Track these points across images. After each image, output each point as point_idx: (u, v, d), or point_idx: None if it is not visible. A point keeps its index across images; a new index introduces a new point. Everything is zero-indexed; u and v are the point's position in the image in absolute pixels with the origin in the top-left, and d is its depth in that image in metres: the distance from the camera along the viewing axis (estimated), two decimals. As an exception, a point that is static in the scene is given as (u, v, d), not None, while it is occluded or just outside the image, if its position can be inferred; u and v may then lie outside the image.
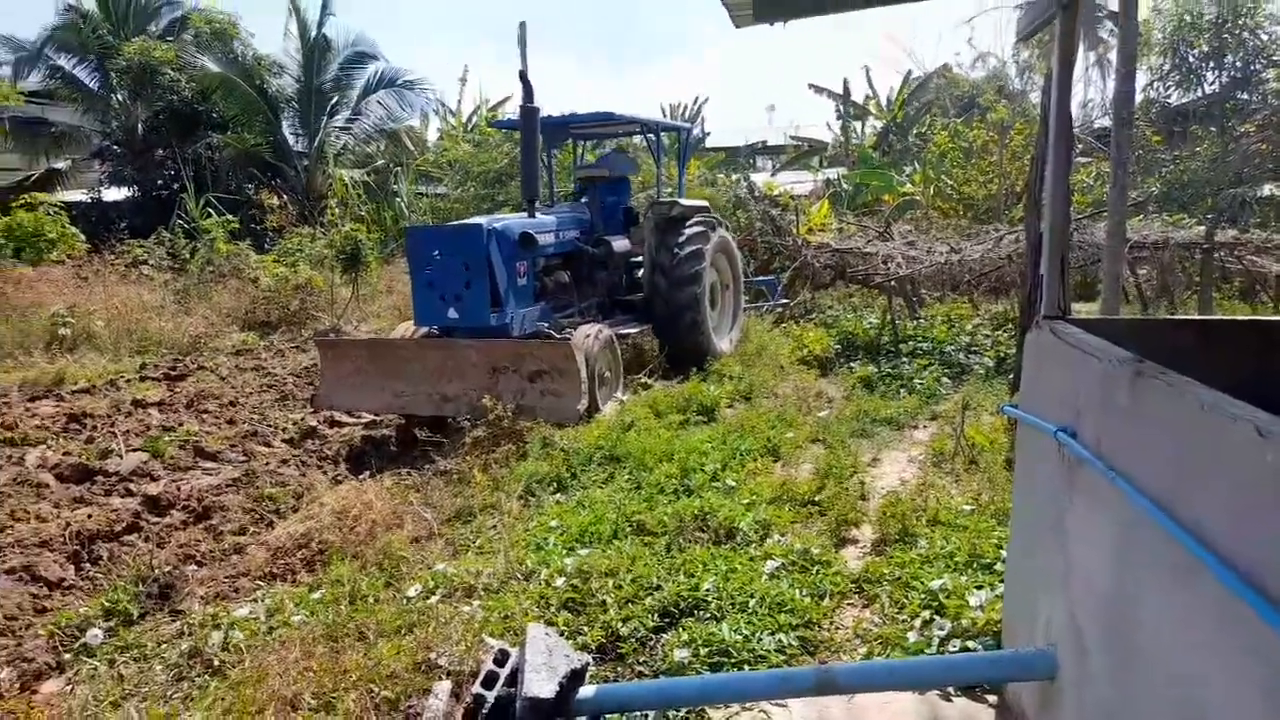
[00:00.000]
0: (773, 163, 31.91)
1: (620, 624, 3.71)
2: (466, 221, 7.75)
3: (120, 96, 20.76)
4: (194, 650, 3.60)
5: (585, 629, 3.69)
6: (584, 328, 7.49)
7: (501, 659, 2.94)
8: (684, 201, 9.48)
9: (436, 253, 7.19)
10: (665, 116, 33.26)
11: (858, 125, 28.48)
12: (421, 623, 3.69)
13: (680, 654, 3.46)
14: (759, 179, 20.04)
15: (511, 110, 22.64)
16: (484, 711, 2.72)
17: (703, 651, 3.48)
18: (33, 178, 21.73)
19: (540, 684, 2.67)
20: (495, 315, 7.25)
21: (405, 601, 3.97)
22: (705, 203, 10.18)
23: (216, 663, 3.45)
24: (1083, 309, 10.82)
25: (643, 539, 4.66)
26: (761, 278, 13.07)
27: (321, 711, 2.94)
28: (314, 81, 19.94)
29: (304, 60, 20.29)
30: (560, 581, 4.07)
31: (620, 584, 4.04)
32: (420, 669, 3.20)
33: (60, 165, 22.40)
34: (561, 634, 3.60)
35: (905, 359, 9.11)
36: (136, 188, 21.31)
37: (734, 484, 5.47)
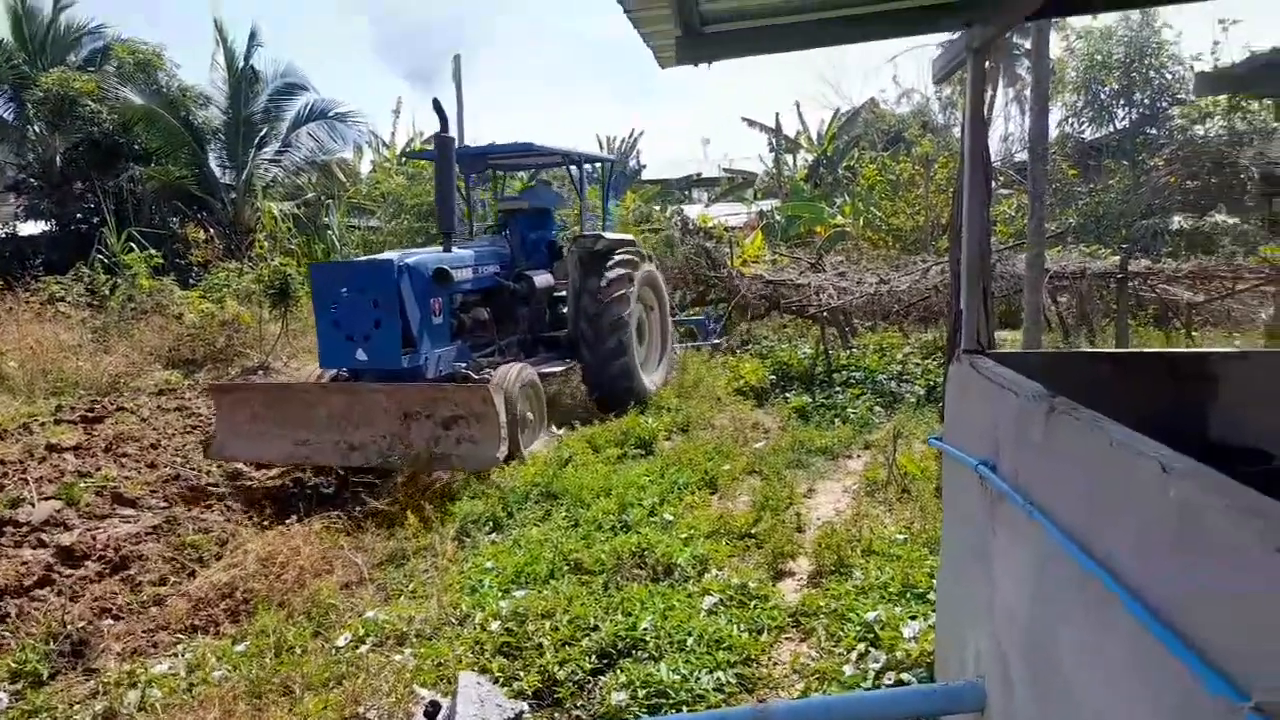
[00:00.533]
0: (708, 195, 32.35)
1: (557, 667, 3.66)
2: (376, 256, 7.38)
3: (37, 128, 20.09)
4: (109, 712, 3.43)
5: (521, 674, 3.62)
6: (504, 368, 7.14)
7: (433, 711, 2.88)
8: (609, 235, 9.23)
9: (344, 290, 6.82)
10: (601, 148, 33.56)
11: (790, 158, 29.09)
12: (350, 674, 3.58)
13: (618, 696, 3.41)
14: (693, 211, 20.30)
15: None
16: (414, 766, 2.65)
17: (640, 693, 3.44)
18: (-58, 211, 20.85)
19: (473, 735, 2.62)
20: (408, 357, 6.91)
21: (334, 652, 3.85)
22: (630, 237, 10.06)
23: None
24: (1008, 336, 11.16)
25: (580, 578, 4.61)
26: (692, 316, 12.96)
27: (243, 773, 2.82)
28: (242, 113, 19.57)
29: (231, 91, 19.92)
30: (495, 625, 4.00)
31: (557, 625, 3.98)
32: (348, 712, 3.09)
33: (-27, 199, 21.54)
34: (496, 680, 3.54)
35: (839, 388, 9.26)
36: (54, 222, 20.57)
37: (671, 518, 5.46)
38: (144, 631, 4.29)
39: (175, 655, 3.97)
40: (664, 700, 3.42)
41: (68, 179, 20.09)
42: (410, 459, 6.21)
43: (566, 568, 4.73)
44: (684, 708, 3.37)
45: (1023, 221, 13.81)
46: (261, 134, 20.11)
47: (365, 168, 26.07)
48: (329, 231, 18.50)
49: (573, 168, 10.00)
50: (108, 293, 14.35)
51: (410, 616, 4.18)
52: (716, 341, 11.84)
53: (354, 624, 4.13)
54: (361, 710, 3.20)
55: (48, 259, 17.49)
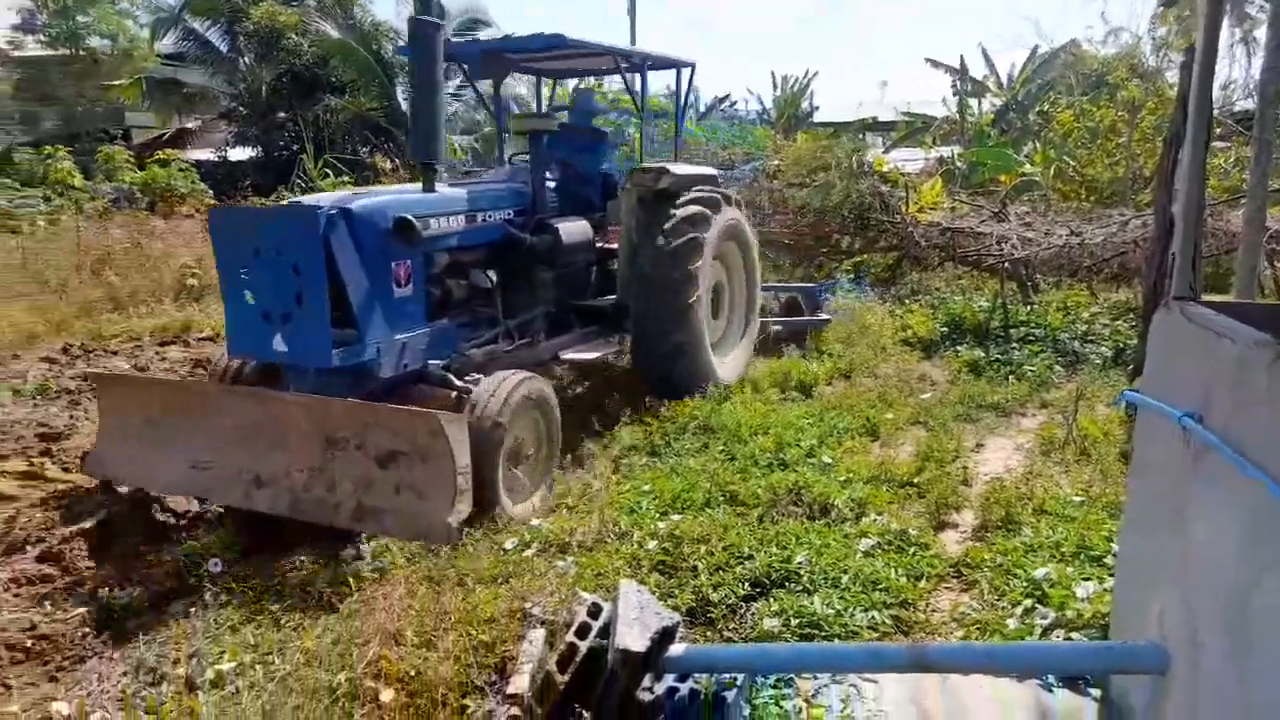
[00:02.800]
0: (882, 139, 31.05)
1: (711, 590, 3.74)
2: (299, 200, 5.30)
3: (247, 59, 21.68)
4: (306, 583, 3.80)
5: (676, 592, 3.73)
6: (495, 376, 4.89)
7: (595, 611, 3.01)
8: (677, 169, 6.84)
9: (255, 249, 4.64)
10: (775, 89, 32.71)
11: (974, 102, 27.40)
12: (517, 573, 3.80)
13: (770, 623, 3.46)
14: (869, 155, 19.53)
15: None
16: (577, 659, 2.79)
17: (793, 622, 3.47)
18: (165, 135, 22.98)
19: (632, 637, 2.72)
20: (344, 350, 4.72)
21: (502, 553, 4.08)
22: (710, 171, 7.70)
23: (325, 598, 3.65)
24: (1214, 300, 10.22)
25: (735, 509, 4.67)
26: (801, 284, 10.74)
27: (423, 648, 3.06)
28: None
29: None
30: (652, 544, 4.12)
31: (712, 551, 4.06)
32: (516, 617, 3.29)
33: (191, 125, 23.61)
34: (653, 594, 3.65)
35: (1015, 345, 8.78)
36: (260, 148, 22.28)
37: (830, 461, 5.41)
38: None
39: (363, 544, 4.32)
40: (816, 632, 3.43)
41: (272, 108, 21.65)
42: (330, 509, 4.26)
43: (722, 498, 4.79)
44: (836, 641, 3.38)
45: (1239, 177, 12.49)
46: (445, 68, 20.88)
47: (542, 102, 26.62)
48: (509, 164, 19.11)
49: (629, 74, 7.36)
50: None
51: (572, 528, 4.37)
52: (825, 317, 9.47)
53: (520, 531, 4.36)
54: (528, 606, 3.38)
55: (254, 182, 18.99)
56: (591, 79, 9.70)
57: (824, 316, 9.51)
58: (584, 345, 6.69)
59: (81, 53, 25.17)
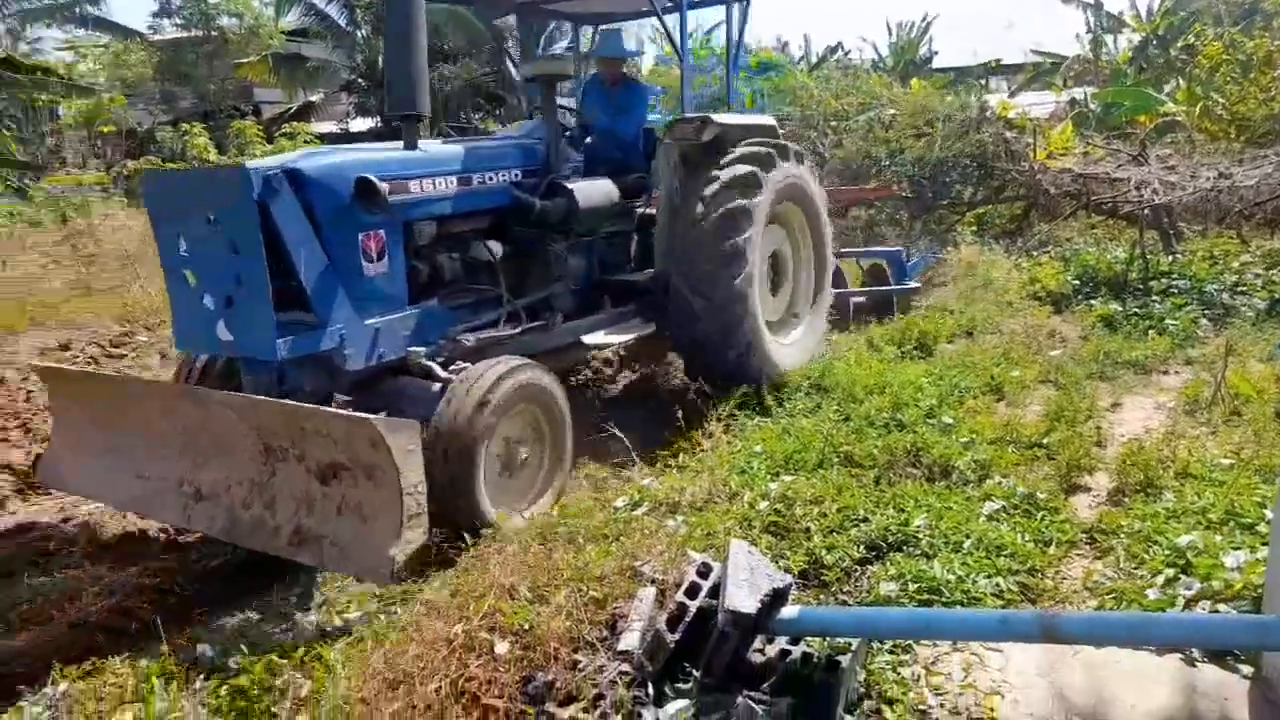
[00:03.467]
0: (1007, 83, 29.41)
1: (824, 552, 3.64)
2: (236, 161, 4.47)
3: (364, 31, 22.28)
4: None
5: (788, 553, 3.65)
6: (482, 364, 4.22)
7: (704, 571, 2.97)
8: (724, 118, 5.85)
9: (189, 219, 3.99)
10: (890, 36, 31.41)
11: (1110, 39, 25.57)
12: (628, 532, 3.79)
13: (887, 587, 3.35)
14: (993, 100, 18.55)
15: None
16: (686, 619, 2.76)
17: (911, 588, 3.34)
18: (291, 110, 23.93)
19: (742, 598, 2.67)
20: (293, 338, 3.97)
21: (613, 511, 4.09)
22: (767, 120, 6.62)
23: (443, 552, 3.75)
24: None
25: (850, 470, 4.53)
26: (884, 248, 9.74)
27: (536, 602, 3.09)
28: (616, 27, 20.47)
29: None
30: (763, 505, 4.04)
31: (825, 513, 3.96)
32: (626, 574, 3.28)
33: (314, 98, 24.50)
34: (764, 555, 3.59)
35: (1156, 298, 8.20)
36: (379, 118, 22.94)
37: (951, 421, 5.18)
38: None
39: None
40: (936, 598, 3.30)
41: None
42: (269, 533, 3.62)
43: (836, 459, 4.66)
44: (959, 607, 3.24)
45: None
46: (549, 31, 20.92)
47: (647, 64, 26.42)
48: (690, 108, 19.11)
49: (669, 12, 6.37)
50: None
51: (682, 488, 4.33)
52: (914, 285, 8.85)
53: (630, 490, 4.36)
54: (638, 564, 3.37)
55: (373, 152, 19.58)
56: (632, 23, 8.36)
57: (912, 284, 8.74)
58: (611, 327, 5.65)
59: (213, 33, 26.44)
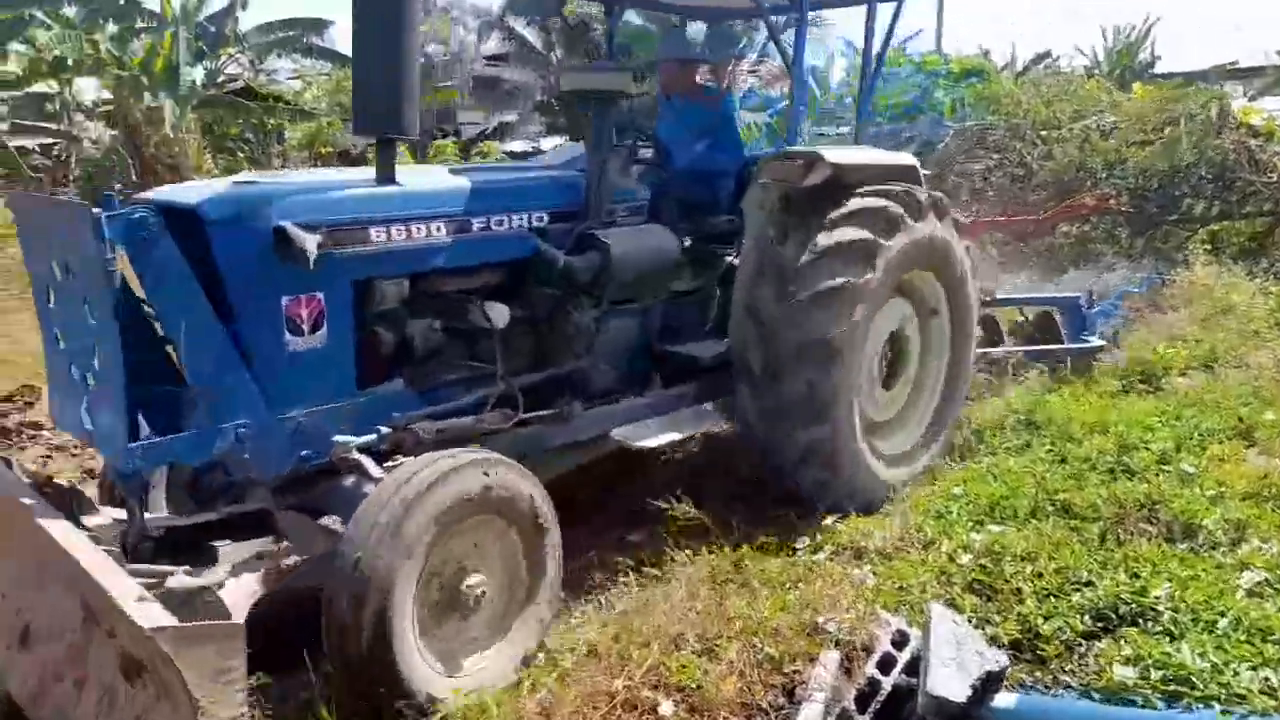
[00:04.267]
0: (1243, 87, 26.44)
1: (1040, 620, 3.14)
2: (71, 201, 3.38)
3: (558, 53, 22.99)
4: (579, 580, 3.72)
5: (995, 618, 3.18)
6: (416, 461, 3.03)
7: (900, 640, 2.59)
8: (844, 155, 4.39)
9: (55, 262, 3.07)
10: (1105, 40, 29.00)
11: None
12: (808, 579, 3.44)
13: (1123, 671, 2.81)
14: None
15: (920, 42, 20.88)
16: (879, 699, 2.39)
17: (1154, 674, 2.79)
18: (487, 130, 25.09)
19: (948, 681, 2.27)
20: (174, 439, 3.00)
21: (791, 553, 3.75)
22: (905, 159, 4.94)
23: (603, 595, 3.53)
24: None
25: (1068, 522, 3.95)
26: (1058, 294, 7.49)
27: (704, 655, 2.81)
28: (723, 24, 20.33)
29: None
30: (966, 559, 3.56)
31: (1040, 572, 3.43)
32: (805, 631, 2.94)
33: (509, 118, 25.55)
34: (969, 622, 3.13)
35: None
36: (568, 138, 23.61)
37: (1192, 470, 4.44)
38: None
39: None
40: (1187, 690, 2.73)
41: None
42: None
43: (1051, 508, 4.08)
44: (1215, 704, 2.66)
45: None
46: (740, 45, 20.73)
47: (836, 75, 25.70)
48: (799, 140, 18.64)
49: (770, 14, 5.10)
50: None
51: (869, 531, 3.93)
52: (1095, 343, 6.61)
53: (810, 531, 4.00)
54: (820, 620, 3.02)
55: (561, 170, 20.14)
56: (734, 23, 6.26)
57: (1093, 342, 6.55)
58: (660, 419, 4.34)
59: (420, 59, 28.16)
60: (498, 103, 25.06)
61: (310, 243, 3.04)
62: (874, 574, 3.51)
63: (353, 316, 3.41)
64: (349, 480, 3.17)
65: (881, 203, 4.33)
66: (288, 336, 3.21)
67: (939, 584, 3.42)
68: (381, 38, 3.26)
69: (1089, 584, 3.34)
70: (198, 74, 18.91)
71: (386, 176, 3.54)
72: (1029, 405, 5.41)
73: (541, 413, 3.91)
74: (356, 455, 3.17)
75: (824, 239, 4.15)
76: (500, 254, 3.86)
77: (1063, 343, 6.62)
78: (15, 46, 17.18)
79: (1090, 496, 4.10)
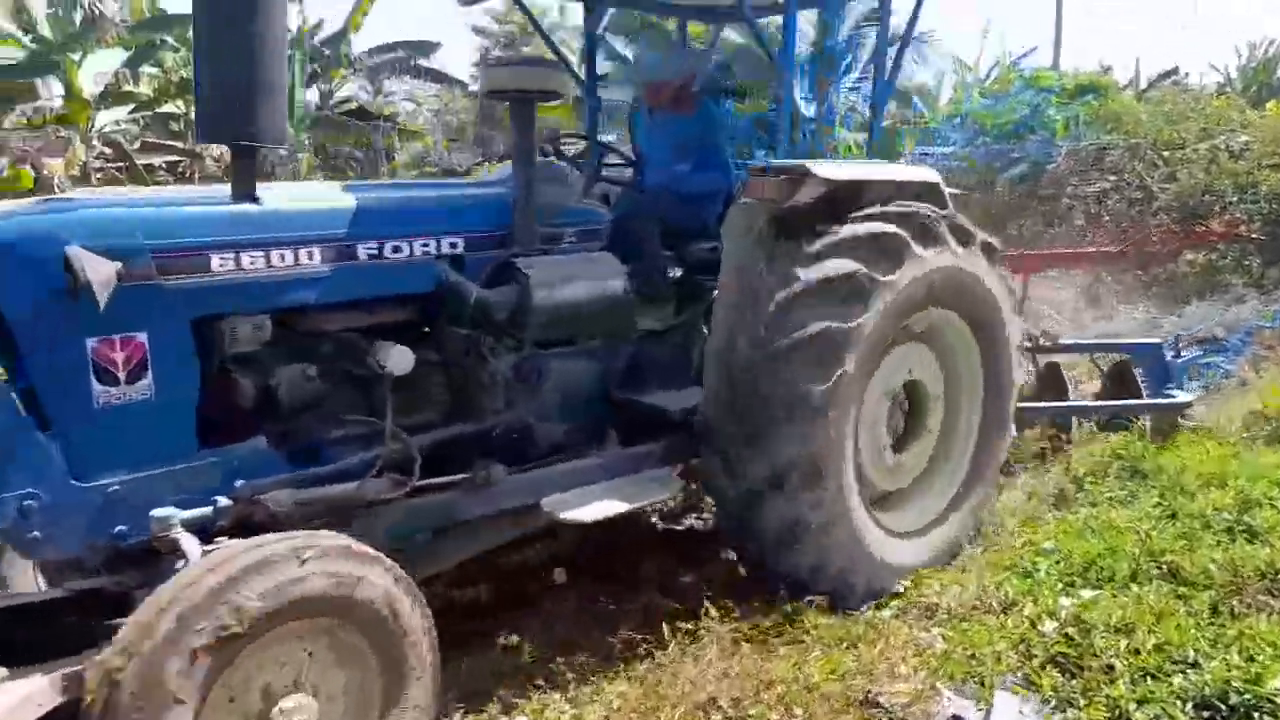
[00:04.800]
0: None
1: (1133, 706, 2.73)
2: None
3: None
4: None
5: (1079, 699, 2.79)
6: (241, 543, 2.39)
7: (957, 728, 2.26)
8: (831, 169, 3.62)
9: None
10: (1239, 59, 27.17)
11: None
12: (867, 639, 3.13)
13: (1229, 780, 2.40)
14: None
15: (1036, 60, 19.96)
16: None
17: (1266, 785, 2.38)
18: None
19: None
20: None
21: (853, 610, 3.43)
22: (924, 174, 4.15)
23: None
24: None
25: (1175, 589, 3.49)
26: (1137, 340, 6.42)
27: (736, 725, 2.54)
28: (825, 42, 19.98)
29: (820, 22, 20.42)
30: (1049, 626, 3.17)
31: (1137, 648, 3.01)
32: (855, 702, 2.63)
33: (610, 138, 25.72)
34: (1046, 701, 2.76)
35: None
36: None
37: (1325, 535, 3.91)
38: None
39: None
40: (1307, 808, 2.31)
41: (679, 117, 22.80)
42: None
43: (1156, 571, 3.63)
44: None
45: None
46: (845, 63, 20.32)
47: (945, 94, 24.89)
48: (901, 157, 18.05)
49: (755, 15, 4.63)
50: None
51: (942, 587, 3.57)
52: (1182, 398, 5.43)
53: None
54: (873, 691, 2.71)
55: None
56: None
57: (1180, 398, 5.39)
58: (603, 486, 3.52)
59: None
60: (601, 123, 25.28)
61: (99, 272, 2.44)
62: (943, 639, 3.16)
63: (192, 361, 2.82)
64: (166, 566, 2.43)
65: (880, 227, 3.57)
66: (97, 387, 2.64)
67: (1017, 655, 3.04)
68: (232, 24, 2.73)
69: (1194, 665, 2.92)
70: (312, 95, 19.68)
71: (244, 193, 2.98)
72: (1137, 452, 4.90)
73: (444, 478, 3.17)
74: (178, 533, 2.48)
75: (804, 274, 3.40)
76: (398, 286, 3.25)
77: (1140, 397, 5.54)
78: (148, 69, 18.22)
79: (1202, 560, 3.63)
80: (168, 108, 19.96)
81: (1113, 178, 11.89)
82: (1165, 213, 11.19)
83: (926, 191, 3.97)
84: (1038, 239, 12.03)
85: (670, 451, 3.79)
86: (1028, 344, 5.37)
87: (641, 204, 4.31)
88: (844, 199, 3.63)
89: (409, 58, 21.27)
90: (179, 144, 20.37)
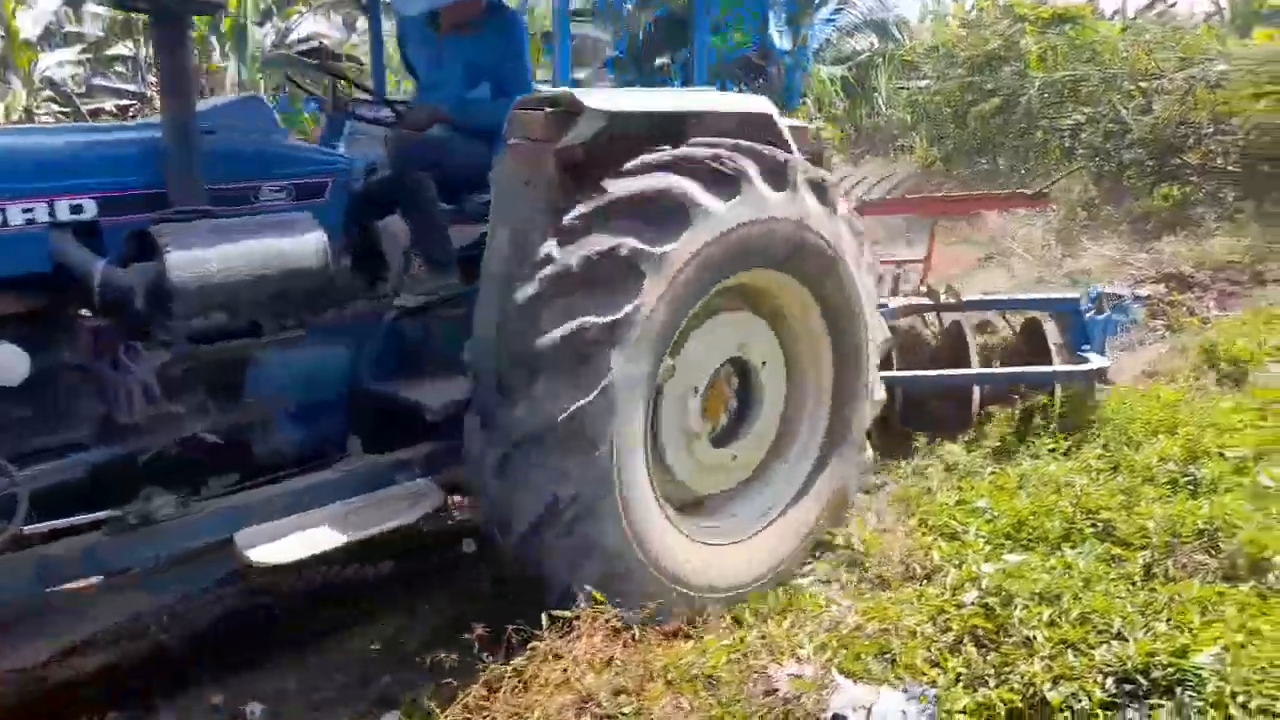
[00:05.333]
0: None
1: (1048, 685, 2.54)
2: None
3: (629, 6, 22.28)
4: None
5: (991, 679, 2.59)
6: None
7: (837, 727, 2.07)
8: (613, 99, 2.95)
9: None
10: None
11: None
12: (777, 613, 2.94)
13: (1141, 769, 2.23)
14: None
15: None
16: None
17: (1183, 774, 2.20)
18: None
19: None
20: None
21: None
22: (756, 104, 3.36)
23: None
24: None
25: (1109, 549, 3.32)
26: (1051, 294, 5.85)
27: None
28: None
29: (793, -48, 19.72)
30: (970, 596, 2.97)
31: (1059, 617, 2.83)
32: (752, 693, 2.44)
33: (580, 75, 24.99)
34: (957, 680, 2.57)
35: None
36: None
37: (1271, 484, 3.72)
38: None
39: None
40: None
41: (649, 54, 22.09)
42: None
43: (1091, 530, 3.45)
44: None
45: None
46: (820, -6, 19.68)
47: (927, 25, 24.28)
48: (876, 94, 17.55)
49: None
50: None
51: (865, 549, 3.38)
52: (1095, 363, 4.69)
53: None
54: (773, 674, 2.51)
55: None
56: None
57: (1094, 362, 4.68)
58: (335, 509, 2.87)
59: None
60: (574, 59, 24.56)
61: None
62: (858, 611, 2.97)
63: None
64: None
65: (648, 183, 2.80)
66: None
67: (932, 627, 2.85)
68: None
69: (1119, 636, 2.73)
70: (266, 34, 18.92)
71: None
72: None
73: (71, 519, 2.46)
74: None
75: (559, 255, 2.72)
76: None
77: (1048, 361, 4.78)
78: (91, 8, 17.42)
79: (1140, 518, 3.45)
80: (116, 49, 19.20)
81: (1087, 110, 11.51)
82: (1140, 146, 10.86)
83: (753, 125, 3.24)
84: (1012, 176, 11.71)
85: (436, 458, 3.06)
86: (927, 300, 5.01)
87: (412, 147, 3.52)
88: (634, 137, 2.92)
89: (342, -3, 20.42)
90: (131, 87, 19.67)
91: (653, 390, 2.94)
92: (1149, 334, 6.57)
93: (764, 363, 3.39)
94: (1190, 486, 3.78)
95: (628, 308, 2.69)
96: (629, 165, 2.85)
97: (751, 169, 2.96)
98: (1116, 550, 3.30)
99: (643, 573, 2.88)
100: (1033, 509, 3.58)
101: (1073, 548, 3.32)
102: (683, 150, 2.92)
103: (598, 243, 2.72)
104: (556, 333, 2.66)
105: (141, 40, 18.66)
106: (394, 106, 3.76)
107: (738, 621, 2.96)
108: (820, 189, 3.25)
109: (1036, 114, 11.97)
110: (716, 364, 3.24)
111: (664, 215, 2.79)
